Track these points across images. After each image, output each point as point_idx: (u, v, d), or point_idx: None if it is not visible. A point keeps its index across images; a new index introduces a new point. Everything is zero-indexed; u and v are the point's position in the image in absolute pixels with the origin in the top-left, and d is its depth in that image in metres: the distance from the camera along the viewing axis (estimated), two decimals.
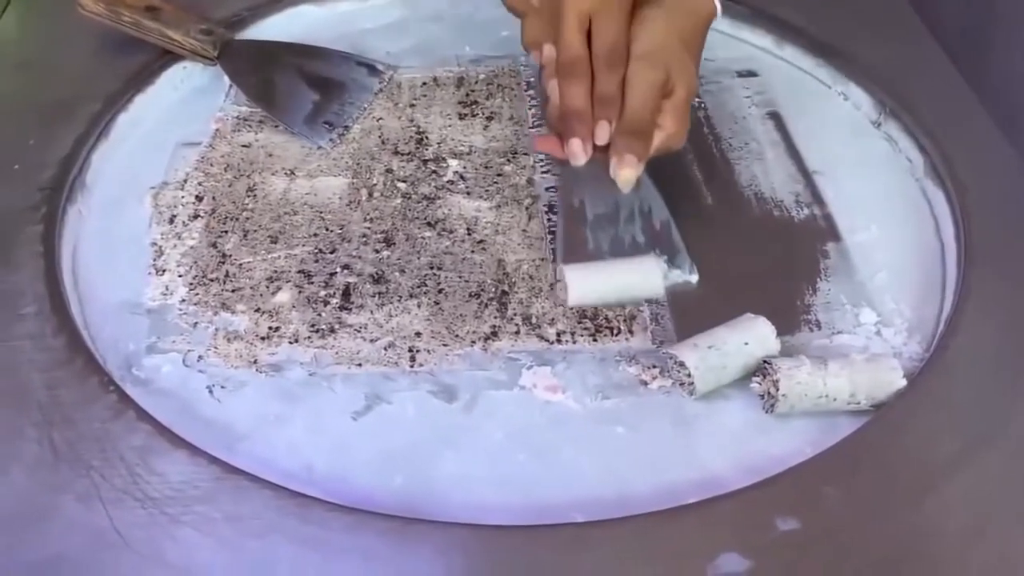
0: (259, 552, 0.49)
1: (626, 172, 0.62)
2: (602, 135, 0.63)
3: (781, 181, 0.74)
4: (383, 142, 0.77)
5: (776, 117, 0.80)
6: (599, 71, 0.64)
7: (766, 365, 0.58)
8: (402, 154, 0.76)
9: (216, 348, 0.62)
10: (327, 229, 0.70)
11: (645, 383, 0.60)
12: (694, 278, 0.66)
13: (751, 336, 0.59)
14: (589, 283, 0.64)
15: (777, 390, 0.57)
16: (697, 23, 0.68)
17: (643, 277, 0.64)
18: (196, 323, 0.63)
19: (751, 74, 0.84)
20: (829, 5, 0.87)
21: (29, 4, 0.88)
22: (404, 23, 0.90)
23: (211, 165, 0.75)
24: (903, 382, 0.57)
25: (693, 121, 0.67)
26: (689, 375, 0.58)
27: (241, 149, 0.76)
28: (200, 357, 0.61)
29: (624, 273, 0.65)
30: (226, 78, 0.81)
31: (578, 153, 0.63)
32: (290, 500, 0.52)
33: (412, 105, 0.81)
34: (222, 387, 0.59)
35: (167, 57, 0.81)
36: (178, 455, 0.53)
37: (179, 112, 0.79)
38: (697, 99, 0.79)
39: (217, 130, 0.78)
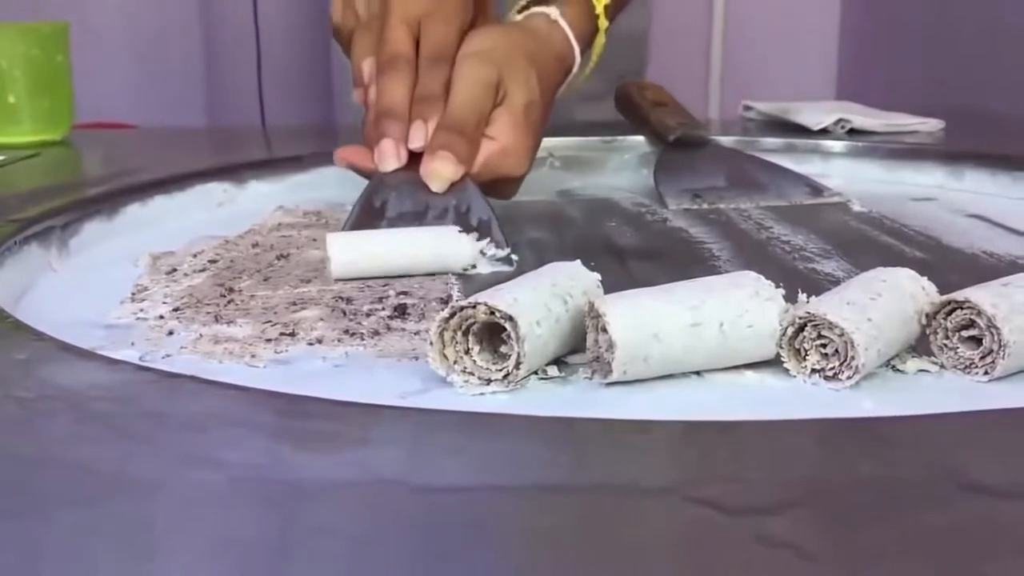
0: (199, 446, 0.24)
1: (438, 166, 0.51)
2: (417, 136, 0.53)
3: (1014, 244, 0.53)
4: None
5: (978, 216, 0.61)
6: (422, 71, 0.55)
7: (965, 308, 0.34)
8: None
9: (195, 348, 0.39)
10: (386, 281, 0.50)
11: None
12: (513, 256, 0.50)
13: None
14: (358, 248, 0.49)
15: (1000, 344, 0.33)
16: (547, 59, 0.57)
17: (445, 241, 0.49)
18: (172, 332, 0.42)
19: (930, 199, 0.66)
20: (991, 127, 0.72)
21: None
22: None
23: (236, 245, 0.57)
24: None
25: (867, 222, 0.49)
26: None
27: (279, 237, 0.58)
28: (168, 356, 0.39)
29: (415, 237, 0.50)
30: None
31: (388, 155, 0.53)
32: (279, 400, 0.27)
33: None
34: (192, 379, 0.36)
35: (214, 177, 0.66)
36: (85, 364, 0.30)
37: (208, 221, 0.63)
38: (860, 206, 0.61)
39: (251, 230, 0.61)
